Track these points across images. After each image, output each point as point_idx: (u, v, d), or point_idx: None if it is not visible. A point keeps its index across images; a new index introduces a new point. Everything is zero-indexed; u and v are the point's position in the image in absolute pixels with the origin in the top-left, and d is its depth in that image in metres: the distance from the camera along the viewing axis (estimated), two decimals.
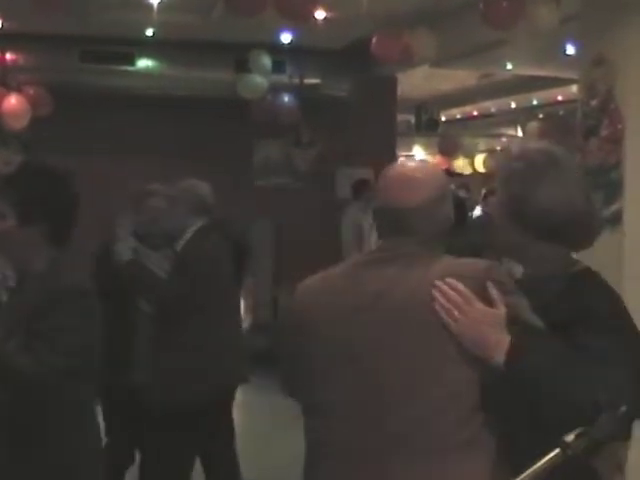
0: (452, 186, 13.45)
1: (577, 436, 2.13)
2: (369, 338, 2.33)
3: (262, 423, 8.23)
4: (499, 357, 2.23)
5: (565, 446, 2.10)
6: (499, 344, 2.24)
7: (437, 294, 2.26)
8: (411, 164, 2.60)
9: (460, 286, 2.25)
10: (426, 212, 2.39)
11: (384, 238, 2.47)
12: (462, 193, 12.74)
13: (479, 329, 2.25)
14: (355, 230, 9.33)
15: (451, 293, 2.25)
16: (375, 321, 2.32)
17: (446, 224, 2.45)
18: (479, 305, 2.26)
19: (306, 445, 2.47)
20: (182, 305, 4.60)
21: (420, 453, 2.28)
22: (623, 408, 2.25)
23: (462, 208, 8.94)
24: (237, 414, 9.06)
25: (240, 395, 9.60)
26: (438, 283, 2.26)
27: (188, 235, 4.77)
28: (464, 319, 2.25)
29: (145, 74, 9.80)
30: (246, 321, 11.03)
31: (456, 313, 2.24)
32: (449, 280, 2.26)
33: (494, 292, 2.27)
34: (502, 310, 2.26)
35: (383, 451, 2.29)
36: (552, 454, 2.09)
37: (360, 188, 10.06)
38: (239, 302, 5.44)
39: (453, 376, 2.28)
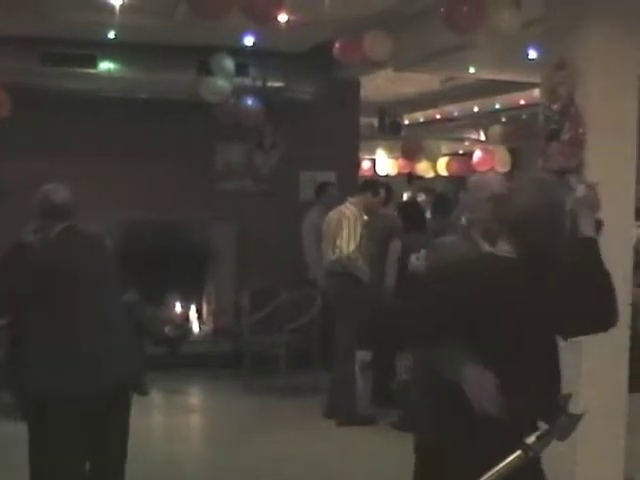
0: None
1: (538, 438, 2.14)
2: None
3: (227, 425, 8.22)
4: None
5: (526, 448, 2.11)
6: None
7: None
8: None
9: None
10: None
11: None
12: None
13: None
14: (314, 233, 9.27)
15: None
16: None
17: None
18: None
19: None
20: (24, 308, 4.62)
21: None
22: (581, 411, 2.27)
23: (419, 212, 9.01)
24: (201, 417, 9.07)
25: (204, 398, 9.65)
26: None
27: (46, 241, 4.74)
28: None
29: (107, 77, 9.71)
30: (208, 325, 11.00)
31: None
32: None
33: None
34: None
35: None
36: (514, 455, 2.10)
37: (320, 191, 10.05)
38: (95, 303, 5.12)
39: None
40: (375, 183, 9.02)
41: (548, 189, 3.34)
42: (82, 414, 4.59)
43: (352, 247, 7.92)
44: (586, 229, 3.23)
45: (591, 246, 3.26)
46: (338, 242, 8.01)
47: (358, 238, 7.96)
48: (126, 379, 4.83)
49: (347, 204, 8.24)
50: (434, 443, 3.47)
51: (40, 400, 4.59)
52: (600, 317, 3.28)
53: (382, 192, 8.58)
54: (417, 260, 4.11)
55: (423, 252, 4.04)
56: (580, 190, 3.32)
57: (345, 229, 7.99)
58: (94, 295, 4.71)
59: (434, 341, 3.31)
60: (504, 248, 3.28)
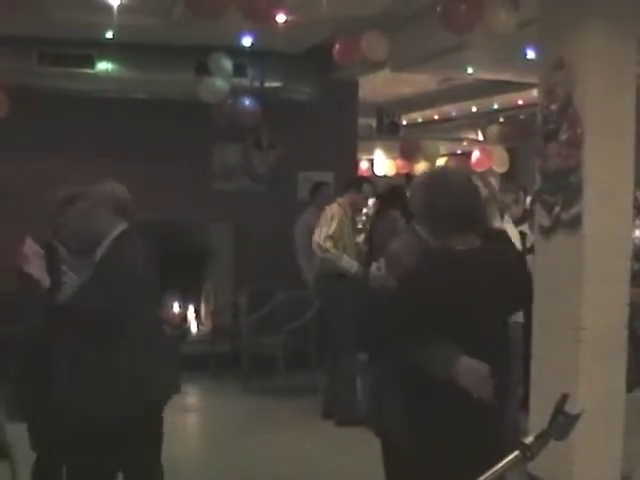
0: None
1: (536, 438, 2.13)
2: None
3: (225, 425, 8.21)
4: None
5: (525, 448, 2.10)
6: None
7: None
8: None
9: None
10: None
11: None
12: None
13: None
14: (307, 234, 9.16)
15: None
16: None
17: None
18: None
19: None
20: (99, 317, 4.26)
21: None
22: (579, 411, 2.26)
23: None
24: (198, 416, 9.06)
25: (202, 398, 9.63)
26: None
27: (108, 241, 4.50)
28: None
29: (105, 77, 9.68)
30: (206, 325, 10.99)
31: None
32: None
33: None
34: None
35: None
36: (511, 456, 2.09)
37: (314, 191, 9.98)
38: (159, 310, 5.02)
39: None
40: (359, 180, 9.06)
41: (468, 181, 3.55)
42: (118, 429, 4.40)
43: (323, 235, 7.99)
44: (495, 220, 3.63)
45: (506, 236, 3.72)
46: (314, 236, 8.12)
47: (332, 229, 8.01)
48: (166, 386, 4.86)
49: (334, 204, 8.30)
50: (408, 443, 3.50)
51: (77, 417, 4.37)
52: (529, 296, 3.73)
53: (368, 188, 8.58)
54: (378, 270, 4.08)
55: (382, 261, 4.01)
56: (482, 187, 3.61)
57: (321, 224, 8.10)
58: None
59: (419, 345, 3.37)
60: (456, 241, 3.42)
